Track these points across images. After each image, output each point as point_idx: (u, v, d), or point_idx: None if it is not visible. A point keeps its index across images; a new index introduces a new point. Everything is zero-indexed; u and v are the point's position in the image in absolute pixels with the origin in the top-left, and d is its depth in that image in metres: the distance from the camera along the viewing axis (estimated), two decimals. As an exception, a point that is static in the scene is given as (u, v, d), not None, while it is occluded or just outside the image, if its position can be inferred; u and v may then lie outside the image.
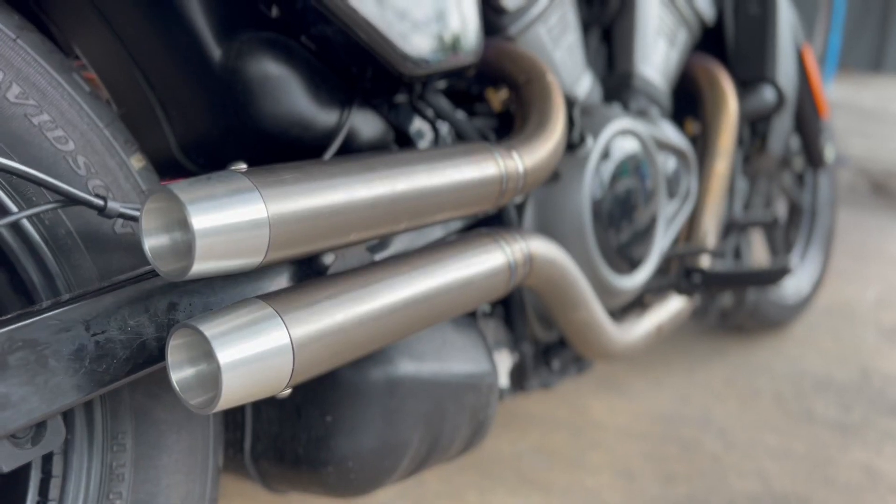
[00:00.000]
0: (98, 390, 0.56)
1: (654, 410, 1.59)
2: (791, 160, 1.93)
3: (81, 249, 0.63)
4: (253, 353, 0.50)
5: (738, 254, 1.34)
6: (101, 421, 0.64)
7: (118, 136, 0.67)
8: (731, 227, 1.25)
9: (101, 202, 0.58)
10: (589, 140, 0.97)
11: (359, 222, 0.58)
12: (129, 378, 0.57)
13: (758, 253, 2.14)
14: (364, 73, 0.78)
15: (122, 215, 0.59)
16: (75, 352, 0.54)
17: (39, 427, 0.55)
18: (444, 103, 0.89)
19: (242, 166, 0.55)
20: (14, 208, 0.60)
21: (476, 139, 0.88)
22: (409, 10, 0.75)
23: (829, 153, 1.89)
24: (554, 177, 0.96)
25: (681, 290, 1.12)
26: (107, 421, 0.64)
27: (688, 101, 1.38)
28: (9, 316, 0.53)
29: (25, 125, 0.61)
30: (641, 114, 1.18)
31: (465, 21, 0.82)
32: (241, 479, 0.84)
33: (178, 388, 0.52)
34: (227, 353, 0.49)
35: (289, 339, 0.52)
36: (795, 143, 1.93)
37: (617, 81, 1.23)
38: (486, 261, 0.70)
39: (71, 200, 0.57)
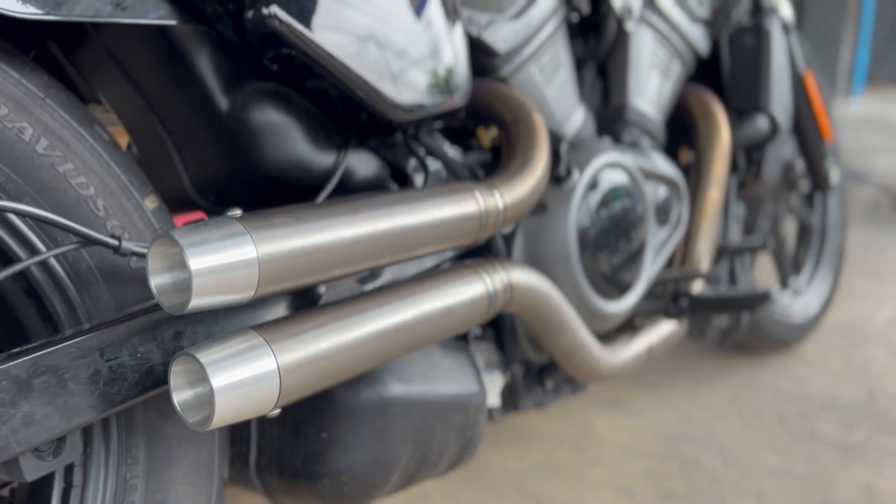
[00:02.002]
0: (111, 410, 0.63)
1: (656, 429, 1.63)
2: (797, 183, 1.97)
3: (100, 283, 0.71)
4: (243, 378, 0.57)
5: (733, 278, 1.38)
6: (116, 436, 0.71)
7: (134, 181, 0.75)
8: (723, 252, 1.30)
9: (116, 242, 0.66)
10: (575, 173, 1.03)
11: (342, 260, 0.65)
12: (138, 399, 0.64)
13: (766, 274, 2.18)
14: (358, 118, 0.85)
15: (134, 253, 0.67)
16: (91, 376, 0.61)
17: (59, 442, 0.62)
18: (436, 142, 0.96)
19: (238, 212, 0.62)
20: (42, 248, 0.68)
21: (465, 176, 0.95)
22: (399, 61, 0.83)
23: (833, 176, 1.93)
24: (542, 208, 1.03)
25: (669, 314, 1.17)
26: (122, 436, 0.72)
27: (684, 130, 1.43)
28: (34, 345, 0.61)
29: (52, 174, 0.69)
30: (633, 145, 1.24)
31: (453, 68, 0.89)
32: (248, 490, 0.91)
33: (178, 409, 0.59)
34: (220, 378, 0.56)
35: (276, 366, 0.59)
36: (801, 165, 1.97)
37: (611, 114, 1.29)
38: (466, 291, 0.77)
39: (90, 241, 0.65)
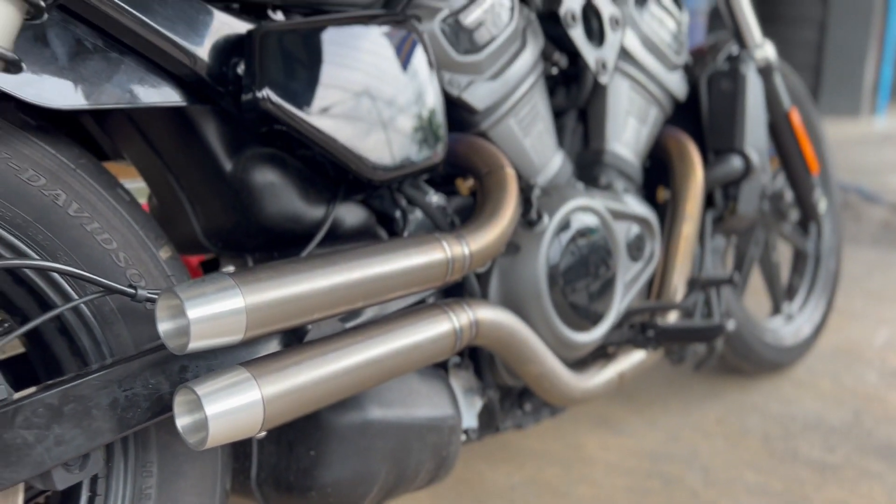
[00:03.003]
0: (127, 431, 0.76)
1: (644, 448, 1.72)
2: (787, 213, 2.06)
3: (121, 323, 0.84)
4: (232, 407, 0.70)
5: (708, 309, 1.48)
6: (133, 453, 0.84)
7: (150, 234, 0.88)
8: (694, 285, 1.40)
9: (133, 291, 0.79)
10: (545, 218, 1.15)
11: (320, 306, 0.78)
12: (150, 422, 0.77)
13: (758, 300, 2.26)
14: (345, 177, 0.98)
15: (147, 300, 0.80)
16: (111, 403, 0.74)
17: (85, 458, 0.75)
18: (419, 191, 1.09)
19: (231, 269, 0.75)
20: (74, 295, 0.81)
21: (443, 223, 1.07)
22: (379, 130, 0.95)
23: (821, 206, 2.01)
24: (515, 249, 1.14)
25: (637, 344, 1.28)
26: (138, 453, 0.85)
27: (662, 170, 1.54)
28: (64, 378, 0.74)
29: (81, 232, 0.82)
30: (607, 187, 1.35)
31: (429, 131, 1.01)
32: (250, 501, 1.03)
33: (181, 431, 0.72)
34: (213, 408, 0.69)
35: (260, 397, 0.72)
36: (791, 196, 2.05)
37: (590, 158, 1.41)
38: (434, 329, 0.89)
39: (111, 291, 0.78)
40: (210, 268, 1.16)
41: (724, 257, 2.09)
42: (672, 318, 1.40)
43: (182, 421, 0.72)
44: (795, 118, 1.90)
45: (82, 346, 0.83)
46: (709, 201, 1.60)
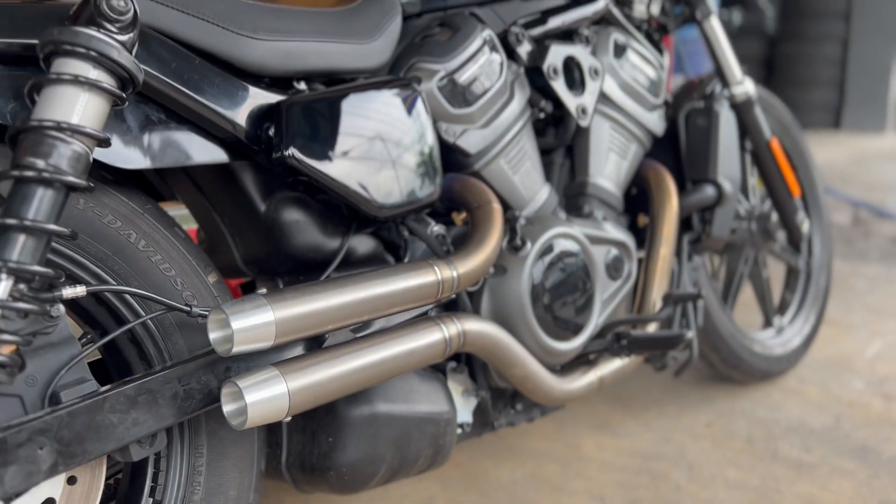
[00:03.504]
0: (184, 417, 0.98)
1: (637, 448, 1.90)
2: (774, 233, 2.23)
3: (179, 333, 1.06)
4: (265, 397, 0.91)
5: (686, 321, 1.66)
6: (188, 437, 1.06)
7: (200, 263, 1.11)
8: (667, 300, 1.58)
9: (188, 309, 1.01)
10: (528, 244, 1.35)
11: (334, 319, 0.99)
12: (202, 410, 0.99)
13: (753, 313, 2.42)
14: (356, 214, 1.20)
15: (200, 315, 1.02)
16: (172, 395, 0.97)
17: (153, 437, 0.97)
18: (420, 223, 1.30)
19: (264, 290, 0.97)
20: (143, 312, 1.04)
21: (440, 251, 1.28)
22: (384, 177, 1.17)
23: (804, 227, 2.18)
24: (503, 270, 1.35)
25: (612, 352, 1.47)
26: (192, 437, 1.07)
27: (643, 198, 1.73)
28: (137, 376, 0.96)
29: (148, 263, 1.05)
30: (589, 215, 1.55)
31: (425, 175, 1.23)
32: (280, 482, 1.25)
33: (227, 415, 0.94)
34: (251, 396, 0.90)
35: (286, 390, 0.93)
36: (777, 218, 2.23)
37: (575, 189, 1.61)
38: (427, 337, 1.10)
39: (172, 309, 1.01)
40: (248, 289, 1.39)
41: (717, 274, 2.27)
42: (651, 328, 1.59)
43: (227, 408, 0.94)
44: (776, 146, 2.08)
45: (148, 353, 1.06)
46: (688, 225, 1.78)
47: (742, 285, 2.24)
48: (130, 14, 0.87)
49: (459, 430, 1.34)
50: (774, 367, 2.24)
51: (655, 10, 1.82)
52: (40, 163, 0.80)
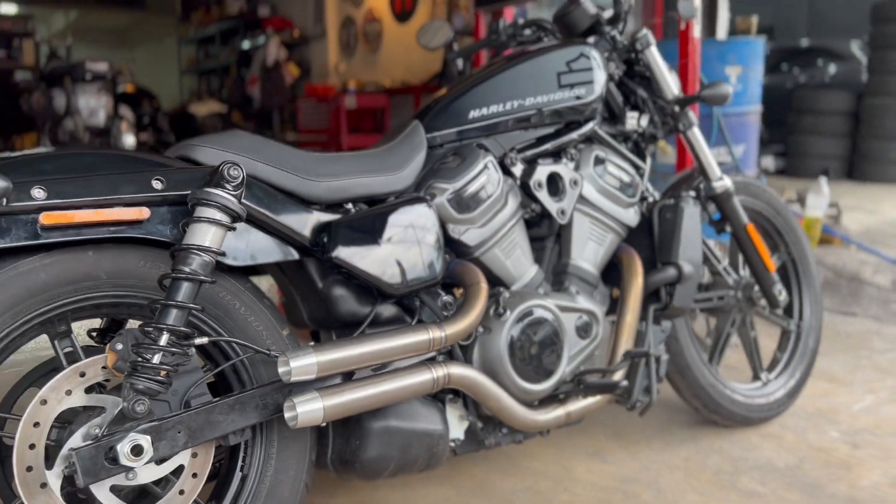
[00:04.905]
0: (263, 418, 1.58)
1: (620, 473, 2.37)
2: (756, 301, 2.65)
3: (262, 367, 1.67)
4: (308, 409, 1.50)
5: (648, 371, 2.13)
6: (265, 432, 1.66)
7: (278, 321, 1.71)
8: (625, 356, 2.07)
9: (268, 352, 1.61)
10: (508, 311, 1.89)
11: (357, 362, 1.57)
12: (273, 416, 1.59)
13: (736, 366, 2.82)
14: (381, 291, 1.78)
15: (275, 356, 1.62)
16: (255, 405, 1.56)
17: (243, 430, 1.58)
18: (428, 296, 1.86)
19: (312, 343, 1.56)
20: (241, 353, 1.64)
21: (440, 315, 1.84)
22: (402, 267, 1.74)
23: (781, 298, 2.59)
24: (488, 330, 1.89)
25: (573, 393, 1.97)
26: (267, 432, 1.66)
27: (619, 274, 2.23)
28: (235, 392, 1.57)
29: (246, 322, 1.65)
30: (566, 290, 2.07)
31: (431, 264, 1.79)
32: (326, 471, 1.83)
33: (286, 419, 1.53)
34: (301, 408, 1.49)
35: (322, 406, 1.51)
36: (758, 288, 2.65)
37: (560, 268, 2.13)
38: (420, 376, 1.66)
39: (258, 352, 1.61)
40: (315, 337, 1.99)
41: (709, 333, 2.71)
42: (617, 376, 2.08)
43: (287, 414, 1.53)
44: (752, 230, 2.52)
45: (242, 378, 1.66)
46: (658, 296, 2.26)
47: (728, 343, 2.67)
48: (240, 178, 1.49)
49: (452, 444, 1.88)
50: (755, 415, 2.64)
51: (644, 123, 2.33)
52: (186, 269, 1.42)
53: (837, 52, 11.67)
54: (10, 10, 15.38)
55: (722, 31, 5.21)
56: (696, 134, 2.45)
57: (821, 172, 9.99)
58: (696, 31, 3.40)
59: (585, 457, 2.47)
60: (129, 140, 5.95)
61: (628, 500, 2.21)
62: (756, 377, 2.73)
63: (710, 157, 2.47)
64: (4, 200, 1.32)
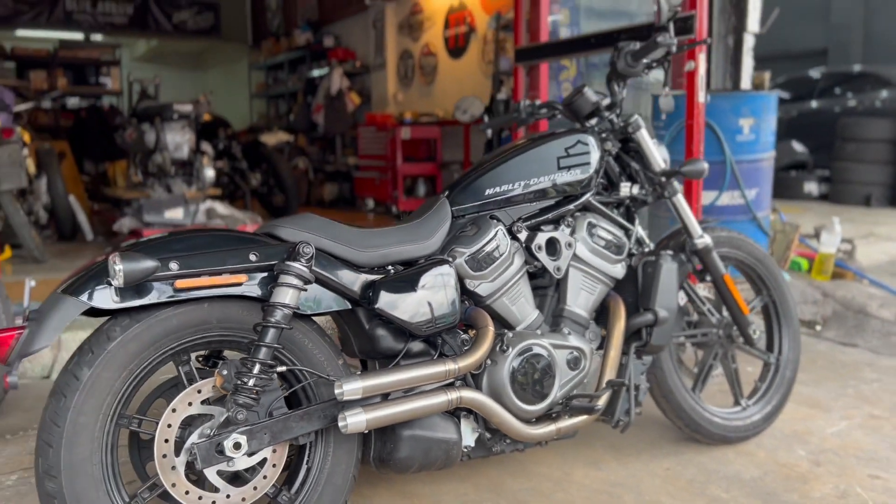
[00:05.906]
0: (322, 426, 2.18)
1: (610, 479, 2.89)
2: (735, 338, 3.15)
3: (323, 388, 2.26)
4: (355, 420, 2.09)
5: (629, 398, 2.65)
6: (324, 436, 2.25)
7: (335, 353, 2.31)
8: (607, 386, 2.60)
9: (328, 377, 2.21)
10: (509, 348, 2.45)
11: (392, 387, 2.15)
12: (331, 423, 2.18)
13: (717, 395, 3.30)
14: (411, 331, 2.36)
15: (333, 381, 2.21)
16: (318, 416, 2.16)
17: (308, 434, 2.18)
18: (448, 335, 2.43)
19: (359, 371, 2.15)
20: (308, 377, 2.25)
21: (457, 351, 2.41)
22: (428, 313, 2.32)
23: (755, 336, 3.08)
24: (494, 363, 2.45)
25: (562, 413, 2.51)
26: (326, 436, 2.26)
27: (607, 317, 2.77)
28: (304, 406, 2.17)
29: (312, 353, 2.26)
30: (560, 331, 2.62)
31: (451, 312, 2.37)
32: (369, 467, 2.42)
33: (339, 427, 2.12)
34: (350, 420, 2.09)
35: (365, 418, 2.10)
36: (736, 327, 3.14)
37: (557, 312, 2.68)
38: (438, 398, 2.23)
39: (320, 377, 2.21)
40: (363, 364, 2.57)
41: (696, 363, 3.21)
42: (600, 401, 2.62)
43: (340, 423, 2.13)
44: (728, 280, 3.02)
45: (310, 396, 2.26)
46: (640, 335, 2.78)
47: (710, 373, 3.17)
48: (311, 254, 2.09)
49: (465, 450, 2.45)
50: (733, 434, 3.12)
51: (636, 191, 2.86)
52: (272, 320, 2.03)
53: (888, 79, 11.77)
54: (98, 38, 16.66)
55: (746, 80, 5.65)
56: (680, 200, 2.96)
57: (863, 199, 10.17)
58: (701, 96, 3.89)
59: (584, 464, 3.00)
60: (210, 173, 6.70)
61: (613, 500, 2.73)
62: (736, 402, 3.22)
63: (692, 218, 2.98)
64: (154, 273, 1.96)
